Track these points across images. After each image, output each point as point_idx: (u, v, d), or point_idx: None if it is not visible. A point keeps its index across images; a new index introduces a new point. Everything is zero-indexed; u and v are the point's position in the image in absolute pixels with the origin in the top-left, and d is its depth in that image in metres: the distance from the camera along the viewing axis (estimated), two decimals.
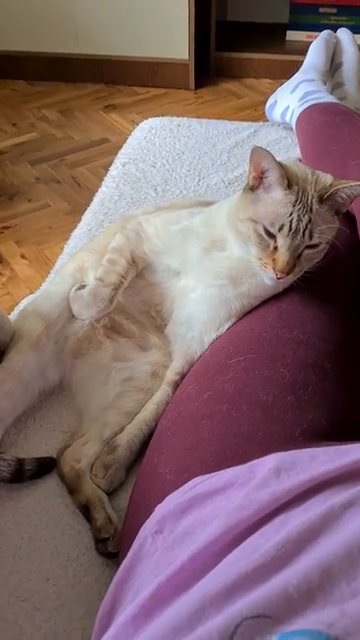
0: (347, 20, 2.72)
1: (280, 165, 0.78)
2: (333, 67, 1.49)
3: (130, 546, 0.63)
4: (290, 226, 0.78)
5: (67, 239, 1.33)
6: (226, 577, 0.45)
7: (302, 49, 1.53)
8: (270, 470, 0.58)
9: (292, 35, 2.87)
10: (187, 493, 0.63)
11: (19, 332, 0.91)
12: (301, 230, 0.78)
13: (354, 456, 0.56)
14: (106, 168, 1.60)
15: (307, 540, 0.48)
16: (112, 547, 0.75)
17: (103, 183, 1.40)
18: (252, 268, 0.84)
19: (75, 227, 1.35)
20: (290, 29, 2.87)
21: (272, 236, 0.79)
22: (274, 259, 0.79)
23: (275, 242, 0.79)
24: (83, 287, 0.92)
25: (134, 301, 0.93)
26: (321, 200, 0.79)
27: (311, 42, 1.51)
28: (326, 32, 1.50)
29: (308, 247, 0.80)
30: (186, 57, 2.80)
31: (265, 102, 1.63)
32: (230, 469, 0.63)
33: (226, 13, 3.11)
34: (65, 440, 0.88)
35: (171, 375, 0.88)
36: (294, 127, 1.38)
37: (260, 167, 0.79)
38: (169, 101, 2.88)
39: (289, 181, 0.79)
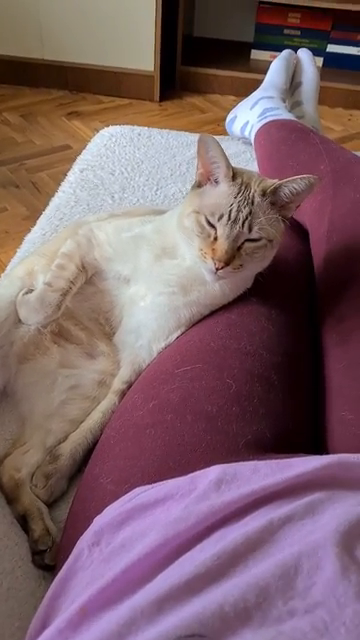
0: (310, 42, 2.79)
1: (225, 156, 0.79)
2: (293, 86, 1.52)
3: (67, 559, 0.61)
4: (229, 216, 0.77)
5: None
6: (158, 589, 0.44)
7: (266, 68, 1.55)
8: (211, 482, 0.57)
9: (257, 54, 2.93)
10: (127, 504, 0.61)
11: None
12: (240, 221, 0.77)
13: (296, 470, 0.55)
14: (67, 175, 1.58)
15: (243, 553, 0.47)
16: (49, 559, 0.72)
17: (60, 188, 1.38)
18: (202, 275, 0.83)
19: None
20: (255, 48, 2.93)
21: (213, 226, 0.79)
22: (214, 249, 0.79)
23: (216, 232, 0.79)
24: (31, 291, 0.90)
25: (83, 307, 0.91)
26: (264, 194, 0.79)
27: None
28: (287, 51, 1.52)
29: (249, 240, 0.79)
30: (152, 69, 2.81)
31: None
32: (171, 480, 0.61)
33: (193, 29, 3.15)
34: (6, 448, 0.85)
35: (118, 384, 0.87)
36: (253, 142, 1.40)
37: (208, 155, 0.79)
38: (133, 111, 2.88)
39: (234, 174, 0.80)
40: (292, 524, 0.50)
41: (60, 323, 0.89)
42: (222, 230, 0.78)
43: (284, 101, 1.45)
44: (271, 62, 1.53)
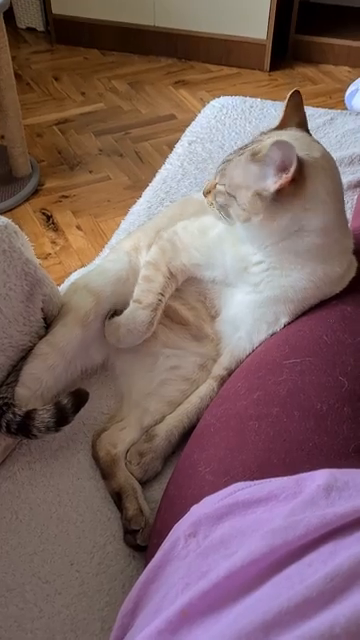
0: None
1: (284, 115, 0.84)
2: None
3: (160, 543, 0.60)
4: (226, 156, 0.81)
5: (124, 214, 1.30)
6: (266, 611, 0.41)
7: None
8: (320, 487, 0.54)
9: None
10: (226, 498, 0.59)
11: (67, 306, 0.88)
12: (222, 163, 0.80)
13: None
14: (170, 145, 1.55)
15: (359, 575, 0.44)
16: (141, 540, 0.72)
17: (167, 160, 1.36)
18: (279, 273, 0.79)
19: (134, 203, 1.31)
20: None
21: None
22: None
23: None
24: (114, 315, 0.86)
25: (189, 290, 0.88)
26: (253, 155, 0.74)
27: None
28: None
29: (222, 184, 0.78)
30: (264, 37, 2.71)
31: (343, 90, 1.54)
32: (275, 479, 0.58)
33: None
34: (103, 422, 0.85)
35: (218, 370, 0.84)
36: None
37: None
38: (241, 81, 2.80)
39: (279, 126, 0.83)
40: None
41: (169, 304, 0.87)
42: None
43: None
44: None
